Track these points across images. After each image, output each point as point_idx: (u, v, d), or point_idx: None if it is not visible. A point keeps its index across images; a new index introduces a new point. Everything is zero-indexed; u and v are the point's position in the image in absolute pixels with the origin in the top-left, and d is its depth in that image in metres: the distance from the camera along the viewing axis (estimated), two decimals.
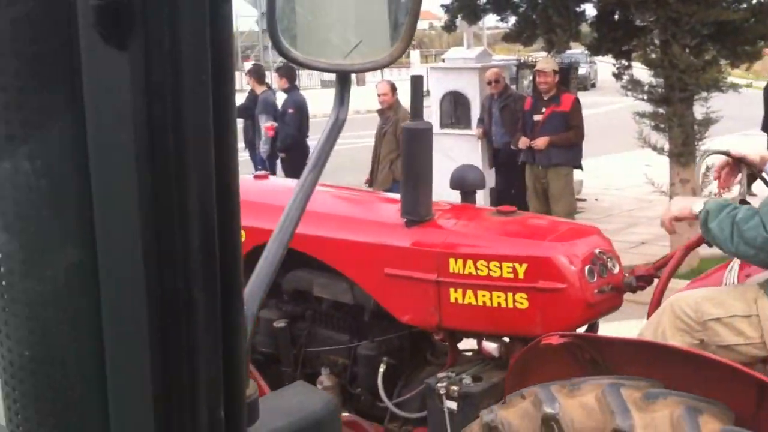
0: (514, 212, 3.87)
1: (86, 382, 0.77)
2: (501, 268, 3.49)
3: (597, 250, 3.51)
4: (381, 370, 3.78)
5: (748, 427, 2.72)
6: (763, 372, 2.89)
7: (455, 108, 11.93)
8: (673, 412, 2.73)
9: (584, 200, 12.83)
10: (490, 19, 14.79)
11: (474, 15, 10.74)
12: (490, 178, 10.77)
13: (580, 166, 10.13)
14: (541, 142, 9.23)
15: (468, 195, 4.21)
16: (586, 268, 3.43)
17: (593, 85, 35.07)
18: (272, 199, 3.76)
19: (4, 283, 0.75)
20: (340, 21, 1.31)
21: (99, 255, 0.73)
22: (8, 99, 0.72)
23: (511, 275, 3.47)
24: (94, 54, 0.69)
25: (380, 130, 9.80)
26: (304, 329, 4.03)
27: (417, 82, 3.93)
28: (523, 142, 9.43)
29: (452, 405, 3.43)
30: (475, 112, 11.40)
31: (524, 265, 3.44)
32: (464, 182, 4.19)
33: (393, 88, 9.77)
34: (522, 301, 3.46)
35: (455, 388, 3.46)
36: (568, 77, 11.80)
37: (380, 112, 9.94)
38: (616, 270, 3.56)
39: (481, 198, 10.64)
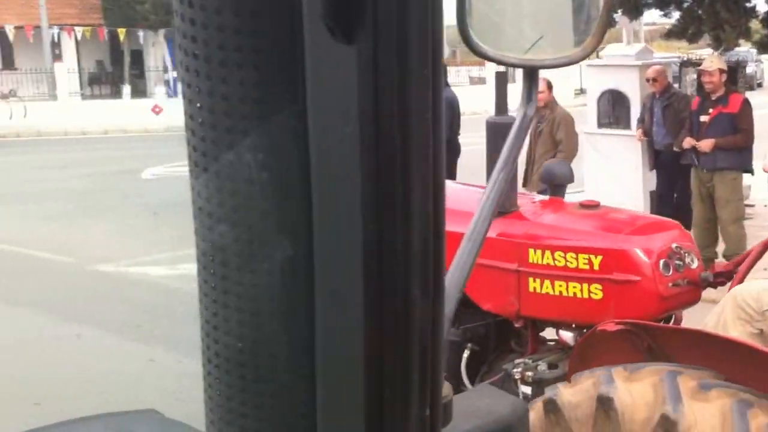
0: (596, 206, 4.11)
1: (296, 377, 0.78)
2: (577, 259, 3.71)
3: (674, 245, 3.69)
4: (465, 355, 4.10)
5: None
6: None
7: (613, 107, 11.67)
8: (724, 404, 2.80)
9: (752, 206, 12.31)
10: (649, 15, 14.40)
11: (635, 10, 10.50)
12: (650, 181, 10.48)
13: (750, 170, 9.73)
14: (705, 144, 8.91)
15: (557, 188, 4.45)
16: (662, 261, 3.62)
17: (759, 85, 33.87)
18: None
19: (218, 274, 0.75)
20: (524, 15, 1.31)
21: (316, 250, 0.73)
22: (229, 91, 0.72)
23: (587, 266, 3.69)
24: (319, 46, 0.70)
25: (535, 129, 9.65)
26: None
27: (500, 78, 4.58)
28: (687, 142, 9.13)
29: (526, 389, 3.68)
30: (635, 112, 11.11)
31: (599, 257, 3.67)
32: (553, 176, 4.50)
33: (549, 86, 9.63)
34: (597, 291, 3.68)
35: (530, 373, 3.73)
36: (735, 77, 11.34)
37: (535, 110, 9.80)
38: (694, 265, 3.72)
39: (641, 202, 10.37)
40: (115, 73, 35.98)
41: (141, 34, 32.08)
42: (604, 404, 3.02)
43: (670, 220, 4.35)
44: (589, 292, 3.73)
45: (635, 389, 3.01)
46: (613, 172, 10.70)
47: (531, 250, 3.84)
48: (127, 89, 31.46)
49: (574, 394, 3.19)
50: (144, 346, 7.73)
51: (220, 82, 0.72)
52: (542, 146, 9.48)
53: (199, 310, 0.80)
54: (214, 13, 0.72)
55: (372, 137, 0.69)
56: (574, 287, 3.73)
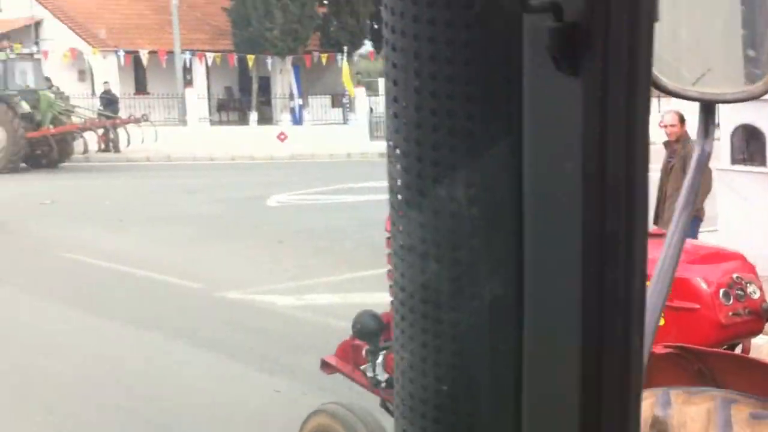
0: (661, 235, 4.17)
1: (499, 422, 0.75)
2: None
3: (735, 275, 3.90)
4: None
5: None
6: None
7: (747, 143, 11.27)
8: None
9: None
10: None
11: None
12: None
13: None
14: None
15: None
16: (722, 290, 3.81)
17: None
18: None
19: (418, 311, 0.74)
20: (693, 46, 1.27)
21: (527, 290, 0.70)
22: (438, 123, 0.70)
23: None
24: (540, 78, 0.67)
25: (666, 165, 9.41)
26: None
27: None
28: None
29: None
30: None
31: None
32: None
33: (682, 119, 9.36)
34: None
35: None
36: None
37: (666, 144, 9.56)
38: (756, 295, 3.89)
39: None
40: (243, 99, 36.85)
41: (269, 61, 32.75)
42: (657, 425, 3.11)
43: (734, 251, 4.49)
44: None
45: (690, 412, 3.08)
46: (748, 212, 10.30)
47: None
48: (254, 116, 32.16)
49: None
50: (269, 377, 7.78)
51: (429, 114, 0.71)
52: (674, 182, 9.20)
53: (393, 348, 0.79)
54: (427, 42, 0.70)
55: (596, 175, 0.65)
56: None
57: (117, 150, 27.49)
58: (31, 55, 26.79)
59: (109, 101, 28.42)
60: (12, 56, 24.90)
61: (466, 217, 0.71)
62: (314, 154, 28.39)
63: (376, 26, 35.03)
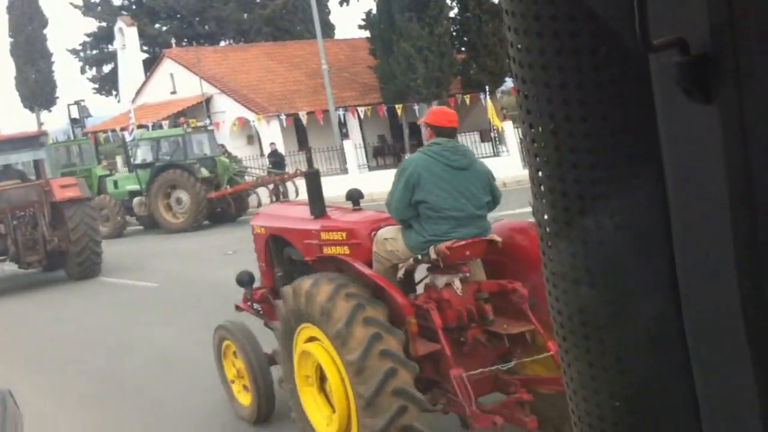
0: (357, 210, 6.79)
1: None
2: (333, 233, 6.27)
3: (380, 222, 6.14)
4: None
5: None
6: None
7: None
8: (335, 295, 5.11)
9: None
10: None
11: None
12: None
13: None
14: None
15: (356, 203, 6.89)
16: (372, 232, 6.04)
17: None
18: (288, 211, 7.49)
19: (578, 333, 0.72)
20: None
21: (685, 308, 0.68)
22: (579, 159, 0.69)
23: (340, 237, 6.16)
24: (673, 109, 0.66)
25: None
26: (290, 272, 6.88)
27: (311, 178, 6.92)
28: None
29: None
30: None
31: (342, 232, 6.15)
32: (353, 197, 6.99)
33: None
34: (343, 250, 6.05)
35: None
36: None
37: None
38: None
39: None
40: (395, 144, 36.59)
41: (416, 107, 32.32)
42: (305, 294, 5.32)
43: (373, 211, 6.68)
44: (338, 249, 5.99)
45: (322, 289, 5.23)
46: None
47: (323, 233, 6.22)
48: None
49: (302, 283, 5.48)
50: None
51: (569, 152, 0.71)
52: None
53: (562, 368, 0.77)
54: (558, 87, 0.69)
55: (743, 193, 0.64)
56: (334, 249, 6.03)
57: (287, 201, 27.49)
58: (205, 127, 27.21)
59: (277, 159, 28.66)
60: (189, 130, 25.42)
61: (614, 243, 0.69)
62: None
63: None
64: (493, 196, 5.64)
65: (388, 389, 4.86)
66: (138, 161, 25.58)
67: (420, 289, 5.77)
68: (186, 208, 23.88)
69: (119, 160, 38.48)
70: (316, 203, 6.53)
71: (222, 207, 24.77)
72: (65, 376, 9.30)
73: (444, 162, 5.43)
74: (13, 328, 12.81)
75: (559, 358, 0.76)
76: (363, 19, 37.88)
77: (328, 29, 45.85)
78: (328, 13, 48.68)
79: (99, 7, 48.60)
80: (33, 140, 17.75)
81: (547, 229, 0.72)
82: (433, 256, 5.19)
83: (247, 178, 25.77)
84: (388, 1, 31.45)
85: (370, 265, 5.53)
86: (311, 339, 5.38)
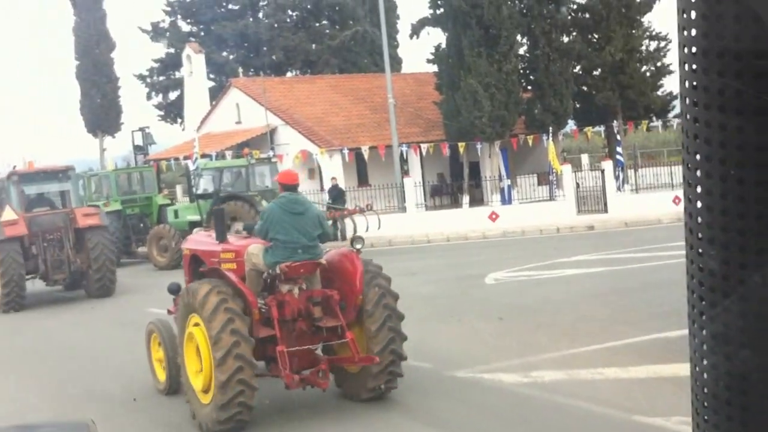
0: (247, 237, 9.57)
1: None
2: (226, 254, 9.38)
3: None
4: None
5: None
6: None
7: None
8: (209, 293, 8.15)
9: None
10: None
11: None
12: None
13: None
14: None
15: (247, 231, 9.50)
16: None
17: None
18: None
19: (750, 409, 0.69)
20: None
21: None
22: (743, 225, 0.69)
23: (231, 257, 9.25)
24: None
25: None
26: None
27: (218, 214, 10.16)
28: None
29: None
30: None
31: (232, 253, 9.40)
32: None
33: None
34: (231, 265, 9.12)
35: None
36: None
37: None
38: None
39: None
40: (454, 183, 37.12)
41: (479, 146, 32.87)
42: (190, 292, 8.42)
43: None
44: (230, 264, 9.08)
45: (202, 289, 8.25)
46: None
47: (222, 254, 9.34)
48: (465, 198, 32.24)
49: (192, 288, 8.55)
50: None
51: (737, 218, 0.71)
52: None
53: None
54: (735, 149, 0.69)
55: None
56: (228, 264, 9.14)
57: (344, 239, 28.16)
58: (269, 159, 28.10)
59: (337, 194, 29.30)
60: (252, 161, 26.25)
61: None
62: (524, 230, 28.03)
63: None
64: (323, 231, 8.87)
65: (232, 355, 7.83)
66: (200, 191, 26.34)
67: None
68: None
69: (179, 189, 39.65)
70: (220, 233, 9.56)
71: None
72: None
73: (287, 210, 8.59)
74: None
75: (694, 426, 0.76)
76: (432, 53, 38.71)
77: (396, 63, 46.77)
78: (397, 46, 49.64)
79: (168, 33, 50.41)
80: (62, 173, 21.08)
81: (712, 288, 0.70)
82: (278, 271, 8.45)
83: None
84: (458, 36, 32.17)
85: None
86: (196, 324, 8.36)
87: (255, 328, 8.27)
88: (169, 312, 9.89)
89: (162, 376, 9.97)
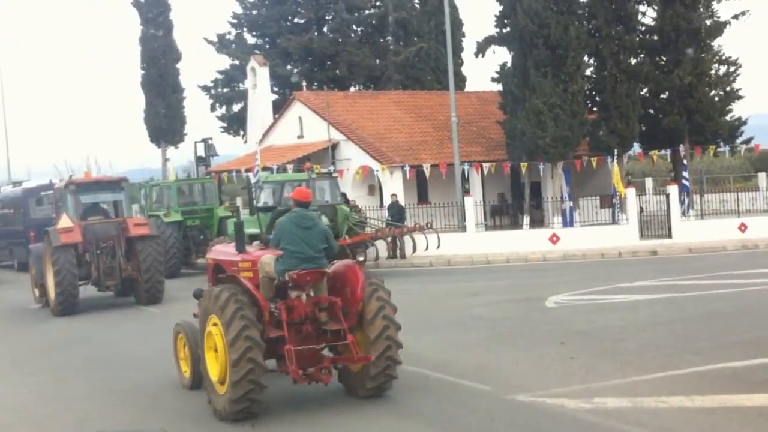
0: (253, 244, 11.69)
1: None
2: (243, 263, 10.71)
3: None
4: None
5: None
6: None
7: None
8: (229, 300, 9.30)
9: None
10: None
11: None
12: None
13: None
14: None
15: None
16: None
17: None
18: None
19: None
20: None
21: None
22: None
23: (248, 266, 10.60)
24: None
25: None
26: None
27: (238, 227, 11.29)
28: None
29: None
30: None
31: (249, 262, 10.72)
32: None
33: None
34: (248, 273, 10.47)
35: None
36: None
37: None
38: None
39: None
40: (515, 204, 37.01)
41: (541, 167, 32.76)
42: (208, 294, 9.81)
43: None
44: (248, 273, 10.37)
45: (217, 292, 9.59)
46: None
47: (241, 263, 10.61)
48: (526, 219, 32.14)
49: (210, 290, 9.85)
50: None
51: None
52: None
53: None
54: None
55: None
56: (246, 273, 10.35)
57: (403, 256, 28.31)
58: (330, 173, 28.36)
59: (397, 211, 29.40)
60: (313, 176, 26.53)
61: None
62: (585, 254, 27.85)
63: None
64: (328, 245, 10.02)
65: (245, 358, 9.06)
66: (260, 204, 26.68)
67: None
68: None
69: (239, 201, 40.14)
70: (240, 244, 10.94)
71: (339, 258, 25.49)
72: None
73: (297, 224, 9.81)
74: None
75: None
76: (496, 72, 38.74)
77: (460, 81, 46.84)
78: (461, 64, 49.74)
79: (233, 45, 51.19)
80: (115, 184, 22.11)
81: None
82: (287, 279, 9.65)
83: (366, 229, 26.48)
84: (524, 55, 32.16)
85: None
86: (215, 324, 9.53)
87: (267, 329, 9.47)
88: (195, 315, 10.54)
89: (187, 372, 11.22)
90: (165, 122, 50.68)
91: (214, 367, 9.63)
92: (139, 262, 20.73)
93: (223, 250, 11.62)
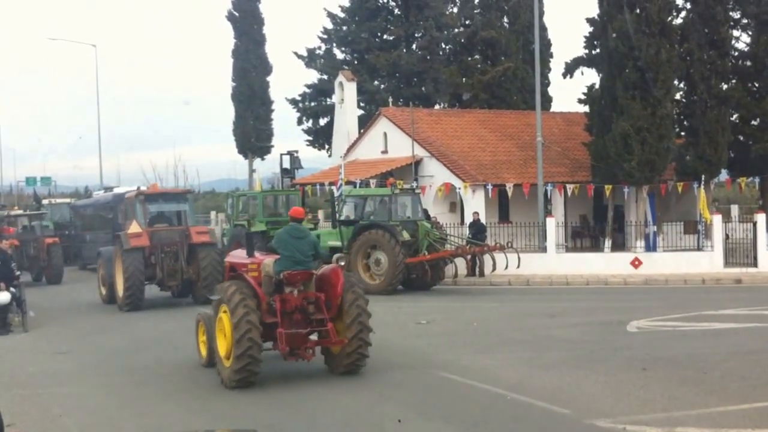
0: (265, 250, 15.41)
1: None
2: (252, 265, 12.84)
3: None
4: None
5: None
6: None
7: None
8: (235, 292, 11.95)
9: None
10: None
11: None
12: None
13: None
14: None
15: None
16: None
17: None
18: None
19: None
20: None
21: None
22: None
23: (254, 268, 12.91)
24: None
25: None
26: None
27: (249, 237, 14.30)
28: None
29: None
30: None
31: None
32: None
33: None
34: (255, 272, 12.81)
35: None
36: None
37: None
38: None
39: None
40: (596, 226, 36.42)
41: (626, 190, 32.19)
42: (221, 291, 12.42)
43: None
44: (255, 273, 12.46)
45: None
46: None
47: (250, 264, 12.66)
48: (607, 242, 31.58)
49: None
50: None
51: None
52: None
53: None
54: None
55: None
56: (254, 273, 12.47)
57: (482, 275, 28.09)
58: (413, 189, 28.37)
59: (478, 229, 29.22)
60: (396, 191, 26.57)
61: None
62: (668, 279, 27.21)
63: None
64: (316, 251, 12.53)
65: (246, 337, 11.45)
66: (342, 217, 26.89)
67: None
68: (384, 270, 24.84)
69: (321, 213, 40.48)
70: (251, 250, 13.13)
71: (417, 273, 25.47)
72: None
73: (292, 235, 12.38)
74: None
75: None
76: (584, 93, 38.24)
77: (546, 101, 46.36)
78: (548, 84, 49.27)
79: (322, 59, 51.73)
80: (180, 196, 25.12)
81: None
82: (281, 277, 12.09)
83: (446, 246, 26.36)
84: (613, 77, 31.63)
85: None
86: (224, 312, 11.89)
87: (264, 316, 11.89)
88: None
89: (204, 353, 13.52)
90: (253, 134, 51.44)
91: (222, 345, 11.99)
92: (199, 266, 22.78)
93: (237, 255, 13.87)
